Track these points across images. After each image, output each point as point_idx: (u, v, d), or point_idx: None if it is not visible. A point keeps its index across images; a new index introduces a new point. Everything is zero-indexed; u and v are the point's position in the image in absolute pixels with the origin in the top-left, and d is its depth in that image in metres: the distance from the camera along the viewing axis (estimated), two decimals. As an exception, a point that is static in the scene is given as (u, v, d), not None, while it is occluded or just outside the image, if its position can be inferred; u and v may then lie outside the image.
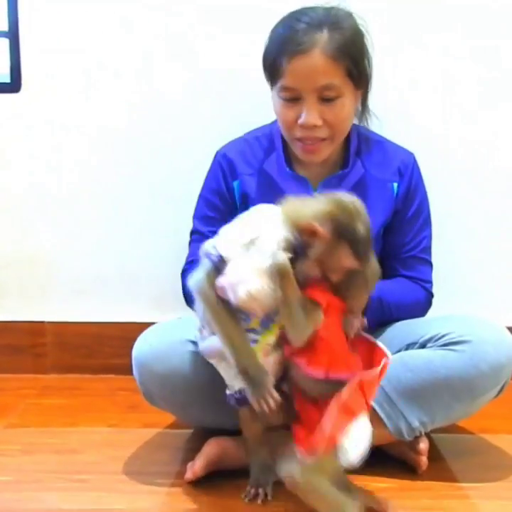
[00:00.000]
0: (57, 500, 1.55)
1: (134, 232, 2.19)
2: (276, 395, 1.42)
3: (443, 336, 1.63)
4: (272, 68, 1.66)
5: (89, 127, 2.13)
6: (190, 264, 1.76)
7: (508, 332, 1.65)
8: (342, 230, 1.38)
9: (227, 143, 1.84)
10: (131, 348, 1.66)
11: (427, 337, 1.65)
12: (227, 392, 1.49)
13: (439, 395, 1.59)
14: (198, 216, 1.84)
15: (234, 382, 1.47)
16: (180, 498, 1.56)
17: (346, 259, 1.40)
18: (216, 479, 1.60)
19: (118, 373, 2.15)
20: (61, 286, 2.21)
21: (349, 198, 1.43)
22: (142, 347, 1.62)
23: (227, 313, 1.41)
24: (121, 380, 2.11)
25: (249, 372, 1.41)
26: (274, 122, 1.78)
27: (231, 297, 1.38)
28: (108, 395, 2.08)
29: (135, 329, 1.72)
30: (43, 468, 1.67)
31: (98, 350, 2.22)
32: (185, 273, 1.81)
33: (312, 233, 1.38)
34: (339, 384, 1.38)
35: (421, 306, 1.81)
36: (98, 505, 1.52)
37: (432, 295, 1.83)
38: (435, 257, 1.85)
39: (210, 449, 1.61)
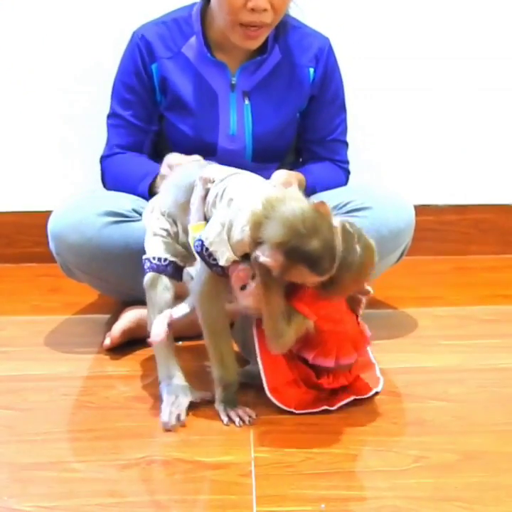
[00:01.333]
0: (-21, 368, 1.61)
1: (52, 119, 2.19)
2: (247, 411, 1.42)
3: (346, 204, 1.71)
4: None
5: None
6: (111, 151, 1.82)
7: (407, 199, 1.75)
8: (294, 255, 1.26)
9: (145, 24, 1.82)
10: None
11: (331, 205, 1.73)
12: (145, 257, 1.51)
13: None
14: (116, 99, 1.83)
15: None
16: (98, 363, 1.64)
17: (309, 278, 1.30)
18: (134, 346, 1.68)
19: (39, 261, 2.19)
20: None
21: (299, 214, 1.28)
22: (57, 219, 1.67)
23: (223, 330, 1.42)
24: (42, 268, 2.15)
25: (229, 387, 1.42)
26: (193, 5, 1.79)
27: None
28: (30, 281, 2.13)
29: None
30: (-35, 344, 1.73)
31: (18, 239, 2.25)
32: (105, 159, 1.85)
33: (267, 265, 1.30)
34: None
35: (342, 186, 1.91)
36: (20, 372, 1.59)
37: (349, 173, 1.93)
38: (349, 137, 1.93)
39: (128, 317, 1.68)
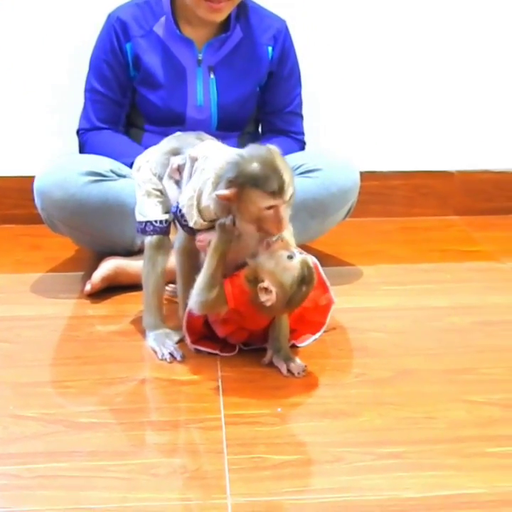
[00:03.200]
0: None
1: (31, 86, 2.33)
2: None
3: (300, 166, 1.94)
4: None
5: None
6: (91, 125, 2.00)
7: (354, 161, 1.98)
8: (242, 180, 1.41)
9: (119, 6, 2.00)
10: (30, 199, 1.89)
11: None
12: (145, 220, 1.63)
13: (296, 215, 1.86)
14: (93, 75, 2.01)
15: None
16: (80, 306, 1.84)
17: (262, 201, 1.42)
18: (112, 292, 1.88)
19: (19, 223, 2.36)
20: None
21: (244, 153, 1.45)
22: (43, 178, 1.86)
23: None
24: (23, 228, 2.33)
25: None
26: None
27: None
28: (12, 240, 2.30)
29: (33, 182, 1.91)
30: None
31: (-1, 202, 2.42)
32: (85, 133, 2.03)
33: (226, 199, 1.44)
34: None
35: None
36: (11, 313, 1.78)
37: (304, 144, 2.14)
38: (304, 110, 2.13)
39: (107, 266, 1.88)
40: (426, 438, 1.32)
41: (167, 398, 1.44)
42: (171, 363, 1.55)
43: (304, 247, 2.07)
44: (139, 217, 1.64)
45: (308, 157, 1.96)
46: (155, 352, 1.59)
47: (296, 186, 1.86)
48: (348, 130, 2.45)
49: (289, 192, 1.45)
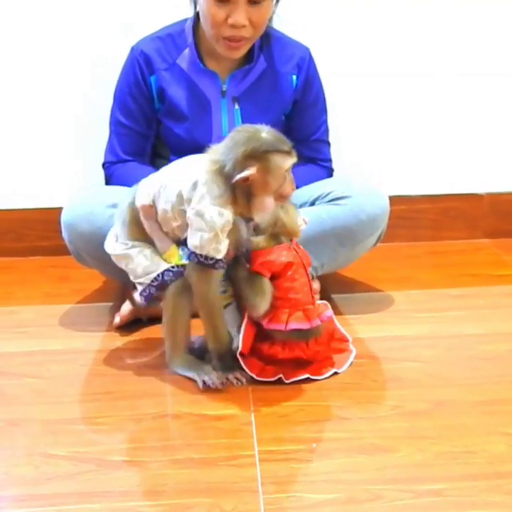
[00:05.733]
0: (2, 346, 1.79)
1: (59, 119, 2.33)
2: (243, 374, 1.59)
3: (328, 194, 1.92)
4: None
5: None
6: (117, 158, 2.00)
7: (381, 188, 1.96)
8: (260, 152, 1.48)
9: (142, 39, 2.00)
10: (56, 231, 1.88)
11: (315, 196, 1.95)
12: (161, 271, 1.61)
13: (326, 242, 1.88)
14: (118, 108, 2.01)
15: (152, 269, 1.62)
16: (109, 339, 1.82)
17: (286, 162, 1.50)
18: (142, 324, 1.87)
19: (46, 254, 2.36)
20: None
21: (241, 128, 1.55)
22: (70, 211, 1.86)
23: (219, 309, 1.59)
24: (50, 260, 2.33)
25: (224, 357, 1.59)
26: (185, 21, 1.98)
27: None
28: (40, 272, 2.29)
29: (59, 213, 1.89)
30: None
31: (26, 234, 2.41)
32: (111, 166, 2.02)
33: (247, 179, 1.48)
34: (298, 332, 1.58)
35: None
36: (40, 347, 1.77)
37: (332, 170, 2.12)
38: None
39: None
40: (466, 474, 1.29)
41: (199, 434, 1.42)
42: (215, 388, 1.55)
43: (334, 274, 2.07)
44: (152, 275, 1.62)
45: (337, 184, 1.94)
46: (195, 381, 1.58)
47: (324, 213, 1.88)
48: (373, 154, 2.43)
49: None
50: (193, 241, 1.53)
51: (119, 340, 1.82)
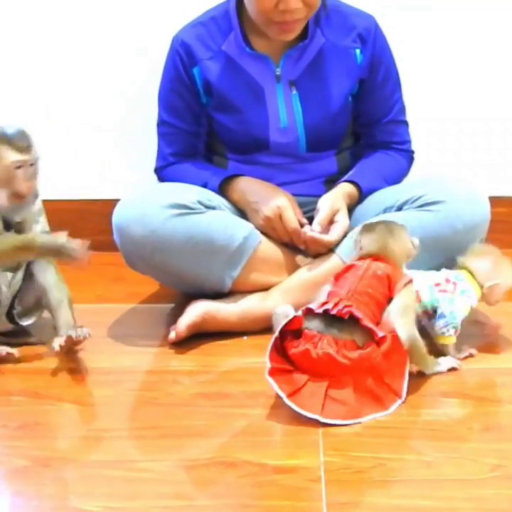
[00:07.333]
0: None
1: (117, 109, 2.18)
2: None
3: (418, 198, 1.66)
4: None
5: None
6: (166, 162, 1.82)
7: (482, 191, 1.69)
8: None
9: (183, 27, 1.79)
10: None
11: (402, 200, 1.69)
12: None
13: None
14: (163, 107, 1.82)
15: None
16: (162, 357, 1.62)
17: (9, 157, 1.50)
18: (199, 340, 1.65)
19: (102, 250, 2.16)
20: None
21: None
22: (121, 212, 1.66)
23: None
24: (105, 256, 2.10)
25: None
26: (228, 1, 1.74)
27: None
28: (94, 269, 2.08)
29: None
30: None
31: (82, 227, 2.23)
32: (161, 171, 1.84)
33: None
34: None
35: (406, 171, 1.86)
36: (86, 364, 1.58)
37: (412, 153, 1.87)
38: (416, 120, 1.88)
39: (194, 311, 1.65)
40: None
41: (257, 492, 1.18)
42: None
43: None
44: None
45: (429, 187, 1.67)
46: None
47: (413, 220, 1.62)
48: (467, 150, 2.17)
49: None
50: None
51: (174, 359, 1.60)
